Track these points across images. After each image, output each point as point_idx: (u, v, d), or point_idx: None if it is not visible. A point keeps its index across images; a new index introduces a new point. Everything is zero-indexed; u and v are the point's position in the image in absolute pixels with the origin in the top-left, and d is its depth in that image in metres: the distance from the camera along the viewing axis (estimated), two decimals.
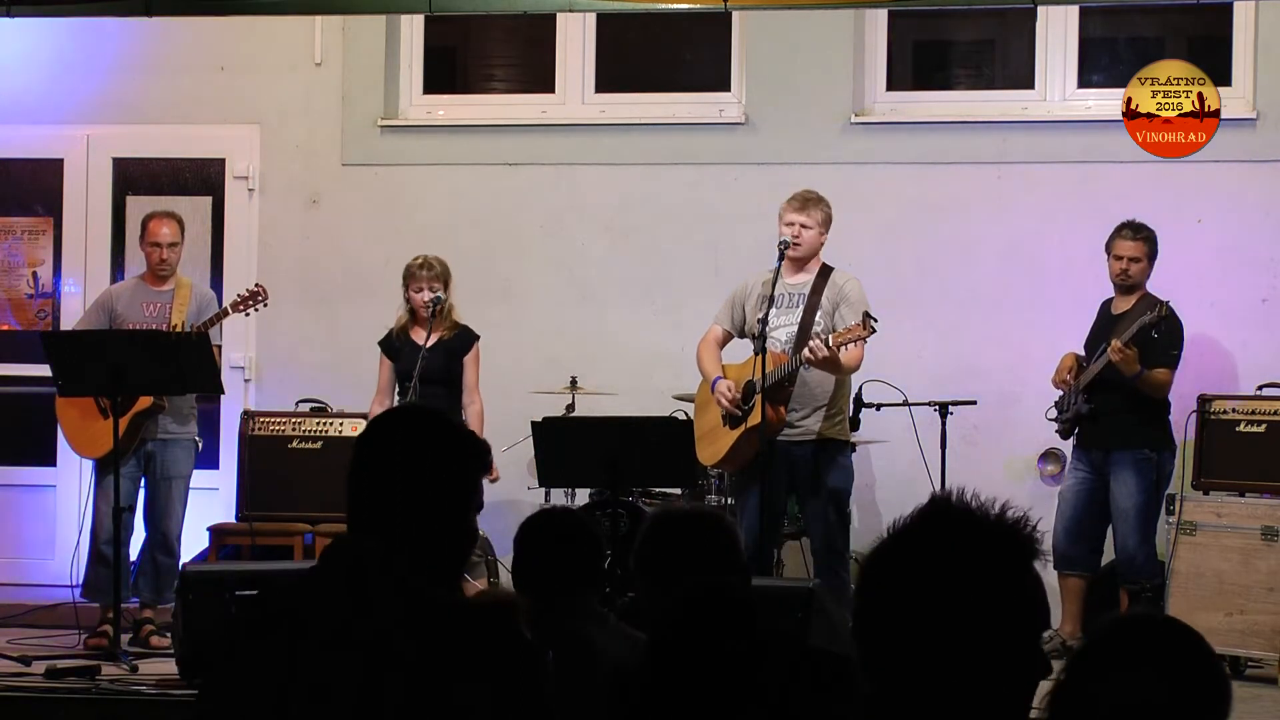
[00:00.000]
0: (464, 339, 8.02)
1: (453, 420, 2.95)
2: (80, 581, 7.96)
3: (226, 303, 8.14)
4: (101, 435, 7.73)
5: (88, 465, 8.15)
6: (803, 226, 7.37)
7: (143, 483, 8.00)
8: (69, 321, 9.06)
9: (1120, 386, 7.67)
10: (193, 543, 8.56)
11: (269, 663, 2.69)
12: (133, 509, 7.86)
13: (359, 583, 2.72)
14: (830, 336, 7.01)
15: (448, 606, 2.74)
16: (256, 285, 8.14)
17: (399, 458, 2.83)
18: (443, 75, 9.63)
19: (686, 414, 8.04)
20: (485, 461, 2.90)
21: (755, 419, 7.15)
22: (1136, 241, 7.81)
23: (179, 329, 7.85)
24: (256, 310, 8.13)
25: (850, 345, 7.01)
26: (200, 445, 8.18)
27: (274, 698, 2.67)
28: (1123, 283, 7.84)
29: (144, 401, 7.74)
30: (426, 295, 7.90)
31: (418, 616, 2.67)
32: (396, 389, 7.91)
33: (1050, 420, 8.00)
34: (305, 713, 2.64)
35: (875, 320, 6.94)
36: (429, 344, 7.91)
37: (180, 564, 7.88)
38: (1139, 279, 7.83)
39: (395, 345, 7.98)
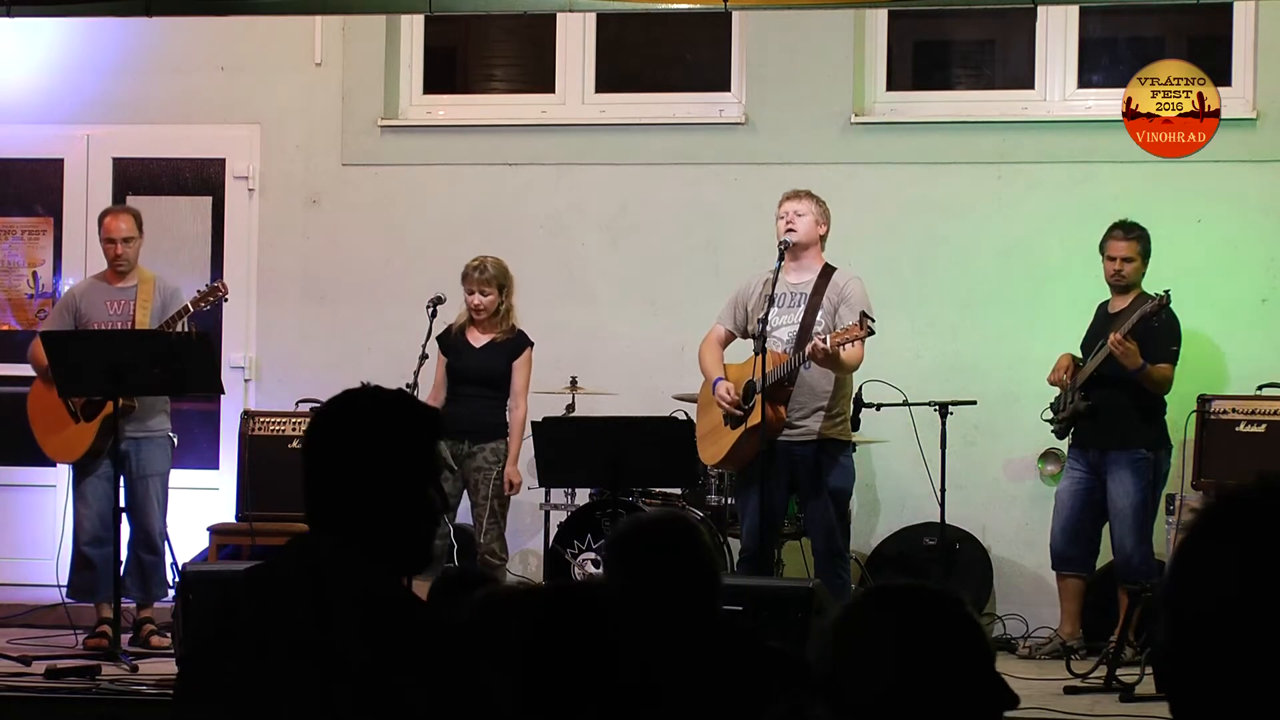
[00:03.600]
0: (516, 343, 8.01)
1: (395, 393, 2.93)
2: (65, 583, 7.95)
3: (188, 300, 8.03)
4: (74, 440, 7.76)
5: None
6: (796, 214, 7.37)
7: (121, 482, 7.97)
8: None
9: (1118, 383, 7.66)
10: (193, 543, 8.56)
11: (233, 666, 2.70)
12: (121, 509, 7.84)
13: (315, 584, 2.72)
14: (829, 336, 7.01)
15: (402, 605, 2.73)
16: (217, 282, 8.13)
17: (341, 441, 2.83)
18: (443, 75, 9.63)
19: (687, 414, 8.04)
20: (437, 430, 2.88)
21: (755, 418, 7.14)
22: (1129, 241, 7.80)
23: (172, 328, 7.82)
24: (214, 305, 8.09)
25: (849, 345, 7.01)
26: (175, 442, 8.14)
27: (238, 701, 2.68)
28: (1117, 283, 7.83)
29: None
30: (478, 299, 7.90)
31: (373, 621, 2.67)
32: (417, 386, 7.89)
33: (1046, 421, 8.00)
34: (266, 715, 2.66)
35: (873, 321, 6.93)
36: (479, 344, 7.97)
37: (165, 560, 7.89)
38: (1133, 278, 7.82)
39: (451, 343, 7.98)
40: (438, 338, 8.05)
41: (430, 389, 8.01)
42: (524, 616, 2.62)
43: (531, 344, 8.03)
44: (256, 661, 2.67)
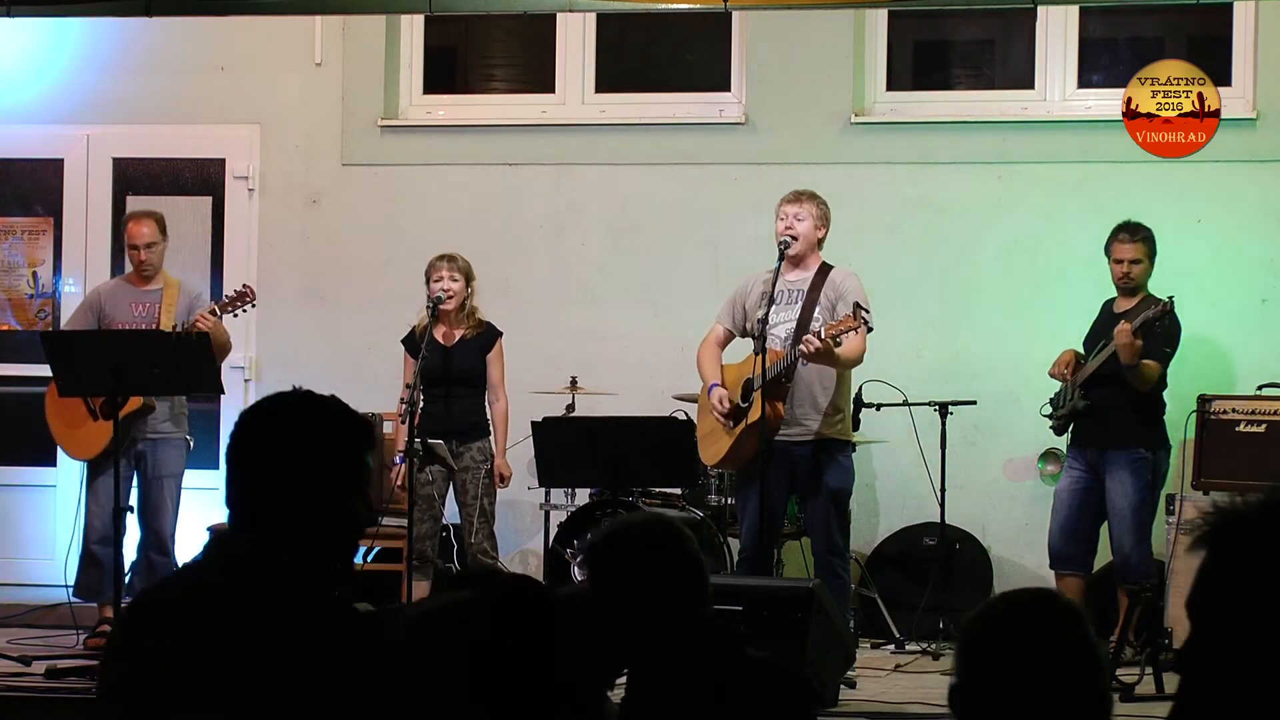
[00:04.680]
0: (487, 336, 8.01)
1: (329, 401, 2.86)
2: (73, 582, 7.96)
3: (215, 303, 8.05)
4: (92, 437, 7.74)
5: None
6: (796, 219, 7.37)
7: (135, 482, 7.99)
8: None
9: (1118, 383, 7.65)
10: (193, 543, 8.56)
11: (150, 666, 2.69)
12: (130, 509, 7.85)
13: (240, 584, 2.70)
14: (823, 329, 7.00)
15: (328, 609, 2.71)
16: (245, 286, 8.10)
17: (267, 442, 2.81)
18: (443, 75, 9.63)
19: (687, 414, 8.04)
20: (367, 440, 2.84)
21: (755, 414, 7.14)
22: (1135, 243, 7.79)
23: (178, 329, 7.83)
24: (244, 310, 8.09)
25: (847, 337, 7.00)
26: (192, 445, 8.16)
27: (155, 698, 2.67)
28: (1125, 285, 7.81)
29: (134, 402, 7.71)
30: (447, 284, 7.89)
31: (297, 624, 2.65)
32: (420, 385, 7.85)
33: (1044, 416, 7.99)
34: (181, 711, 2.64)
35: (867, 312, 6.90)
36: (450, 343, 7.94)
37: (176, 563, 7.89)
38: (1141, 280, 7.81)
39: (417, 343, 7.94)
40: (403, 341, 8.04)
41: (400, 391, 7.99)
42: (469, 630, 2.59)
43: (501, 334, 8.02)
44: (174, 659, 2.66)
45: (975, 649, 2.40)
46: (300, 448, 2.78)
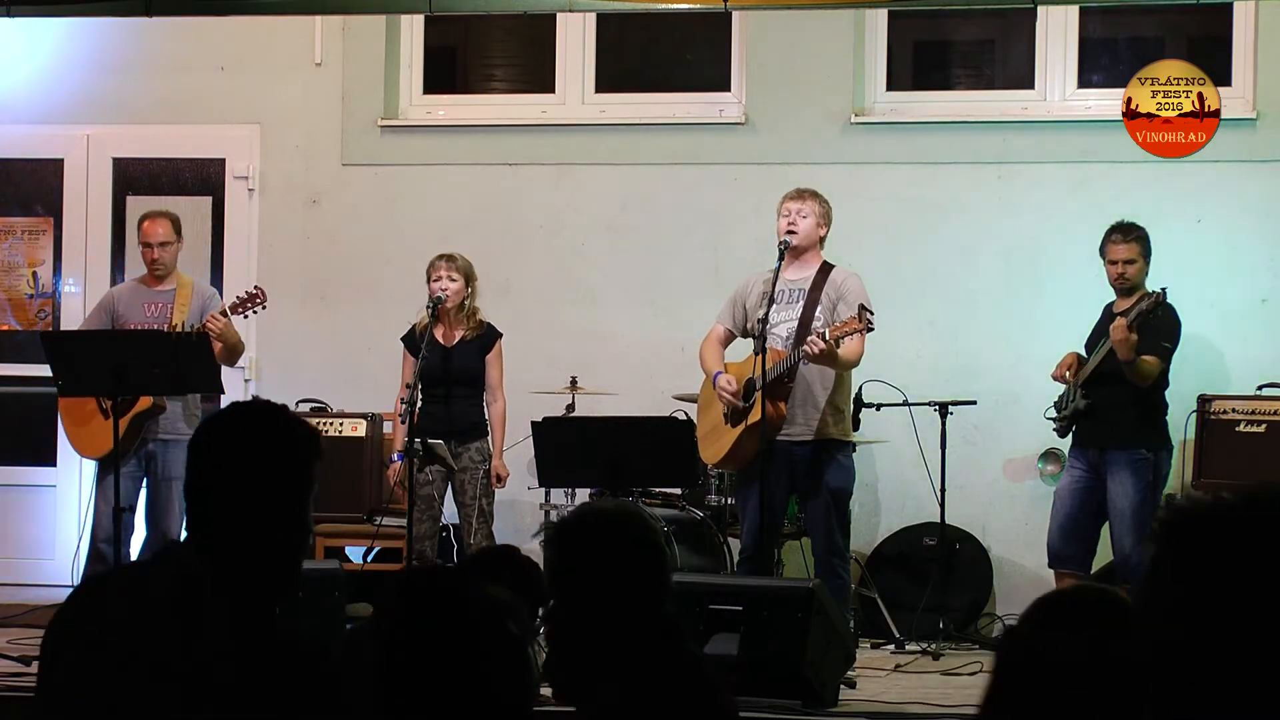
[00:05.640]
0: (487, 337, 8.00)
1: (279, 410, 2.92)
2: (79, 580, 7.97)
3: (225, 304, 8.08)
4: (102, 435, 7.72)
5: (88, 465, 8.16)
6: (799, 214, 7.37)
7: (144, 483, 8.00)
8: (69, 321, 9.06)
9: (1118, 382, 7.64)
10: None
11: (95, 677, 2.68)
12: (133, 509, 7.86)
13: (188, 602, 2.70)
14: (827, 330, 7.00)
15: (269, 631, 2.72)
16: (256, 287, 8.09)
17: (225, 456, 2.83)
18: (443, 75, 9.63)
19: (687, 414, 8.04)
20: (315, 449, 2.87)
21: (756, 415, 7.14)
22: (1129, 244, 7.78)
23: (180, 329, 7.84)
24: (255, 312, 8.10)
25: (847, 339, 7.00)
26: None
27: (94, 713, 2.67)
28: (1121, 286, 7.80)
29: (144, 402, 7.74)
30: (446, 283, 7.88)
31: (240, 645, 2.65)
32: (419, 384, 7.83)
33: (1049, 419, 7.99)
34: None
35: (871, 314, 6.91)
36: (450, 343, 7.92)
37: None
38: (1137, 279, 7.81)
39: (417, 342, 7.93)
40: (403, 338, 8.03)
41: (399, 390, 7.97)
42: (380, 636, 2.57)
43: (500, 335, 8.00)
44: (119, 675, 2.65)
45: (1036, 636, 2.41)
46: (252, 456, 2.81)
